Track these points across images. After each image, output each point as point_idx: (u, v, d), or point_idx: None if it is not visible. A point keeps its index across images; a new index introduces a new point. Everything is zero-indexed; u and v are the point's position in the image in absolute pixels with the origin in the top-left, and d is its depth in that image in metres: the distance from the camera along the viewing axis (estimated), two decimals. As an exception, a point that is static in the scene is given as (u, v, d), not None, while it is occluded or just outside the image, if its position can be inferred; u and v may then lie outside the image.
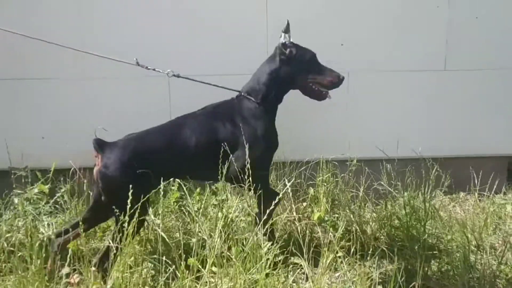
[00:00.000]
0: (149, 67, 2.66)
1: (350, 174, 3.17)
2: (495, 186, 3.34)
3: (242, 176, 2.23)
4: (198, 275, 1.95)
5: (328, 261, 2.06)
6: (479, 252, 2.48)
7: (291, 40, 2.47)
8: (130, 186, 1.94)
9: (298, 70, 2.48)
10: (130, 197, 1.91)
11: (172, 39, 3.32)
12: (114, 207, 2.08)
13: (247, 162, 2.21)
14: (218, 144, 2.34)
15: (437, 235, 2.67)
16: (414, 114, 3.55)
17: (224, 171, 2.26)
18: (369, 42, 3.41)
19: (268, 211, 2.21)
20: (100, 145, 2.27)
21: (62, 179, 3.14)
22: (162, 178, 2.14)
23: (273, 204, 2.20)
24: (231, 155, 2.33)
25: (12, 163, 3.22)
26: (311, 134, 3.42)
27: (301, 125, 3.36)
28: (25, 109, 3.38)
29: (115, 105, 3.35)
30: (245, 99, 2.51)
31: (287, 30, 2.43)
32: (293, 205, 2.96)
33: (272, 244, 2.28)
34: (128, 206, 1.91)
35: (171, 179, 2.61)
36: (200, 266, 1.94)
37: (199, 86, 3.12)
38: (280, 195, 2.33)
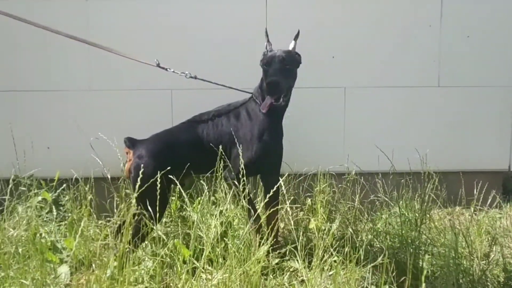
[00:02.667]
0: (168, 69, 2.78)
1: (347, 185, 3.23)
2: (492, 201, 3.40)
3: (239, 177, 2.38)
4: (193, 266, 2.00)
5: (320, 255, 2.11)
6: (471, 257, 2.52)
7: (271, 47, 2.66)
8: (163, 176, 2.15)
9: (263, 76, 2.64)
10: (160, 187, 2.12)
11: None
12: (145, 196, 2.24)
13: (241, 163, 2.39)
14: (225, 140, 2.59)
15: (430, 240, 2.71)
16: (408, 130, 3.64)
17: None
18: (365, 60, 3.54)
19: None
20: (132, 142, 2.55)
21: (65, 186, 3.19)
22: (184, 172, 2.43)
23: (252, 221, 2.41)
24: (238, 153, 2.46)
25: (17, 172, 3.31)
26: (308, 147, 3.51)
27: (299, 138, 3.45)
28: (31, 120, 3.50)
29: (119, 116, 3.46)
30: (253, 100, 2.68)
31: (266, 38, 2.67)
32: (289, 216, 3.01)
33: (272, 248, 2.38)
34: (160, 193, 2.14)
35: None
36: (195, 261, 2.00)
37: (200, 97, 3.26)
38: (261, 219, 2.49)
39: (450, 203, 3.59)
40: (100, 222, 3.03)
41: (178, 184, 2.25)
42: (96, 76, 3.47)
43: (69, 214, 3.08)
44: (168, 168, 2.34)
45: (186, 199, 2.41)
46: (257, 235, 2.43)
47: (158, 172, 2.15)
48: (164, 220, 3.07)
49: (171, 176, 2.31)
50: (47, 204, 3.22)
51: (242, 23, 3.47)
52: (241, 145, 2.49)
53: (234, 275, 1.89)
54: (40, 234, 2.78)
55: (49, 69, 3.46)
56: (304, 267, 2.33)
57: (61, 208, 3.23)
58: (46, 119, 3.50)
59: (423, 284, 1.56)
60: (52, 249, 2.65)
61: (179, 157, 2.53)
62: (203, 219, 2.44)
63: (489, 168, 3.74)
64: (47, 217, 3.12)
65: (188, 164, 2.50)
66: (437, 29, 3.56)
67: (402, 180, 3.38)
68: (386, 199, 3.17)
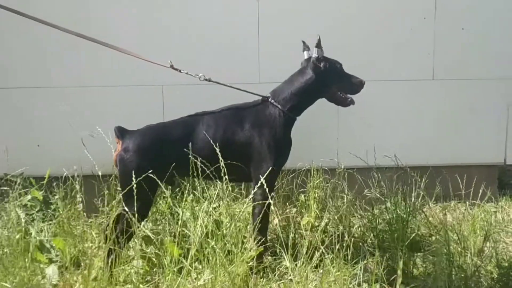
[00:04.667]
0: (182, 71, 2.68)
1: (339, 180, 3.20)
2: (486, 195, 3.37)
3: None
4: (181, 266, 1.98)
5: (307, 253, 2.08)
6: (464, 253, 2.49)
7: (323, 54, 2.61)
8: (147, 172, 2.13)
9: (331, 81, 2.63)
10: (144, 183, 2.10)
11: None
12: (126, 192, 2.23)
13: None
14: (232, 144, 2.45)
15: (422, 236, 2.68)
16: (403, 123, 3.61)
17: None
18: (359, 53, 3.48)
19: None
20: (121, 132, 2.43)
21: (55, 184, 3.15)
22: (175, 172, 2.32)
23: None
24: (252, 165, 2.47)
25: (8, 170, 3.27)
26: (302, 142, 3.46)
27: (293, 132, 3.42)
28: (21, 118, 3.46)
29: (110, 113, 3.41)
30: (271, 105, 2.58)
31: (318, 45, 2.58)
32: (278, 212, 2.99)
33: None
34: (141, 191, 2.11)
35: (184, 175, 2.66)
36: (184, 260, 1.97)
37: (190, 95, 3.22)
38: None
39: (445, 197, 3.56)
40: (90, 220, 2.99)
41: (161, 185, 2.19)
42: (87, 72, 3.42)
43: (59, 213, 3.03)
44: (154, 166, 2.28)
45: (169, 199, 2.37)
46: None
47: (143, 169, 2.12)
48: (156, 217, 3.04)
49: (153, 176, 2.22)
50: (37, 203, 3.18)
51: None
52: (265, 157, 2.46)
53: (220, 276, 1.86)
54: (30, 234, 2.76)
55: (39, 66, 3.42)
56: (296, 266, 2.30)
57: (52, 206, 3.19)
58: (36, 116, 3.46)
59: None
60: (41, 248, 2.62)
61: (169, 155, 2.40)
62: (191, 217, 2.40)
63: (484, 162, 3.71)
64: (37, 216, 3.09)
65: (178, 164, 2.38)
66: (431, 21, 3.51)
67: (395, 176, 3.35)
68: (378, 195, 3.12)
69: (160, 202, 3.12)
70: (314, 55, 2.59)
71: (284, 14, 3.45)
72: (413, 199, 3.10)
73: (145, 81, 3.40)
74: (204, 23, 3.44)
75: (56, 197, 3.16)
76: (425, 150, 3.61)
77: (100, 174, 2.90)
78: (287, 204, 3.27)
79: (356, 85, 2.70)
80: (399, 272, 1.85)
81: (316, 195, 3.14)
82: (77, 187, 2.86)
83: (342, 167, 3.26)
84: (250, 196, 2.38)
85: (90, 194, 3.12)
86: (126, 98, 3.45)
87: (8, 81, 3.43)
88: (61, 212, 2.98)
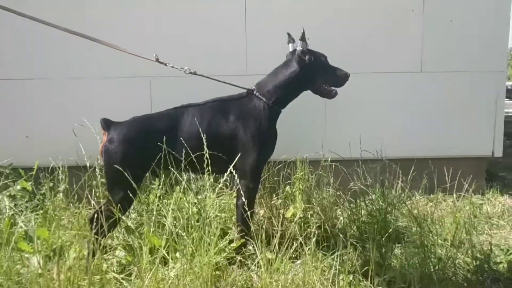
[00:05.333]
0: (167, 64, 2.69)
1: (324, 172, 3.21)
2: (473, 187, 3.39)
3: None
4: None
5: (287, 245, 2.10)
6: (445, 244, 2.51)
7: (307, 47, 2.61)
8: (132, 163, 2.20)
9: (316, 73, 2.63)
10: (129, 173, 2.12)
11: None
12: (110, 182, 2.30)
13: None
14: (217, 137, 2.46)
15: (403, 228, 2.70)
16: (391, 115, 3.62)
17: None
18: (346, 45, 3.48)
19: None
20: (107, 123, 2.46)
21: (41, 175, 3.18)
22: (161, 164, 2.33)
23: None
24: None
25: (-3, 161, 3.31)
26: (289, 134, 3.46)
27: (280, 125, 3.42)
28: (9, 109, 3.48)
29: (98, 104, 3.43)
30: (255, 98, 2.59)
31: (303, 38, 2.57)
32: (263, 204, 3.01)
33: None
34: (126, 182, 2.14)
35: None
36: (163, 251, 2.00)
37: (178, 87, 3.23)
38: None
39: (432, 190, 3.57)
40: (75, 211, 3.02)
41: (149, 174, 2.23)
42: (76, 64, 3.44)
43: (45, 203, 3.06)
44: (139, 157, 2.32)
45: (157, 191, 2.39)
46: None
47: (127, 160, 2.17)
48: (142, 208, 3.06)
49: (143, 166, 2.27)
50: (26, 194, 3.22)
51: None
52: (249, 149, 2.48)
53: (194, 266, 1.88)
54: (16, 224, 2.79)
55: (29, 58, 3.44)
56: (277, 257, 2.32)
57: (41, 197, 3.22)
58: (25, 107, 3.48)
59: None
60: (26, 238, 2.65)
61: (153, 147, 2.40)
62: (173, 208, 2.41)
63: (472, 154, 3.72)
64: (26, 206, 3.12)
65: (162, 155, 2.38)
66: (419, 13, 3.51)
67: (378, 168, 3.36)
68: (363, 188, 3.14)
69: (148, 193, 3.15)
70: (299, 48, 2.58)
71: (272, 7, 3.45)
72: (397, 191, 3.12)
73: (133, 73, 3.41)
74: (191, 16, 3.45)
75: (45, 187, 3.20)
76: (412, 143, 3.62)
77: (88, 164, 2.93)
78: (273, 195, 3.29)
79: (341, 78, 2.71)
80: (371, 263, 1.87)
81: (301, 186, 3.15)
82: (62, 177, 2.91)
83: (329, 159, 3.27)
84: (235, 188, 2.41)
85: (79, 185, 3.14)
86: (114, 90, 3.47)
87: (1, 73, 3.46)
88: (46, 203, 3.02)
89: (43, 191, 3.21)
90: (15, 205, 3.10)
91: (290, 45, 2.67)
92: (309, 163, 3.28)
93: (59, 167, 3.09)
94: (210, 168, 2.29)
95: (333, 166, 3.29)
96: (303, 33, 2.56)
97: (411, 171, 3.32)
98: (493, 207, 3.46)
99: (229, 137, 2.51)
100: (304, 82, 2.63)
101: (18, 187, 3.21)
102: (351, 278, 2.11)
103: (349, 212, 2.95)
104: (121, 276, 2.19)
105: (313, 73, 2.62)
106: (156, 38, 3.39)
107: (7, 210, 2.81)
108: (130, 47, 2.70)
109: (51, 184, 3.13)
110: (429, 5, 3.50)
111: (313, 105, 3.49)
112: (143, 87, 3.45)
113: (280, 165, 3.34)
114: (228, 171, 2.24)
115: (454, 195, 3.44)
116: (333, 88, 2.70)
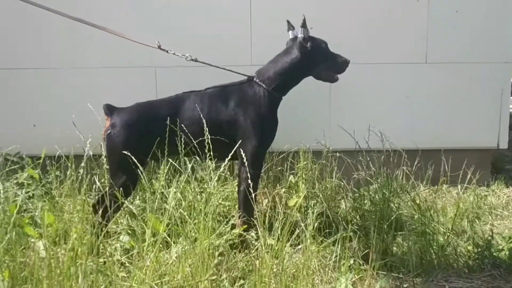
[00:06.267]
0: (169, 51, 2.71)
1: (327, 162, 3.22)
2: (478, 179, 3.37)
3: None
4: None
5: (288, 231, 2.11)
6: (447, 233, 2.52)
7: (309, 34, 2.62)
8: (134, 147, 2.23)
9: (317, 60, 2.66)
10: (130, 160, 2.13)
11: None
12: (112, 166, 2.35)
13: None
14: (217, 123, 2.50)
15: (406, 216, 2.70)
16: (396, 106, 3.61)
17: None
18: (351, 36, 3.48)
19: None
20: (110, 109, 2.53)
21: (48, 163, 3.21)
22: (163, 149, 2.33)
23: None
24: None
25: (5, 149, 3.35)
26: (294, 125, 3.49)
27: (285, 116, 3.43)
28: (17, 98, 3.53)
29: (103, 94, 3.44)
30: (256, 84, 2.62)
31: (304, 25, 2.59)
32: (268, 193, 3.02)
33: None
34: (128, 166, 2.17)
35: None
36: (166, 236, 2.03)
37: (183, 76, 3.25)
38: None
39: (437, 180, 3.57)
40: (81, 197, 3.05)
41: (149, 159, 2.26)
42: (80, 53, 3.48)
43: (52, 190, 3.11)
44: (141, 142, 2.37)
45: (162, 179, 2.41)
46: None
47: (129, 144, 2.21)
48: (146, 195, 3.09)
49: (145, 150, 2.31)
50: (34, 181, 3.27)
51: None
52: (250, 135, 2.51)
53: (196, 249, 1.90)
54: (24, 210, 2.84)
55: (35, 47, 3.48)
56: (277, 242, 2.34)
57: (48, 185, 3.27)
58: (32, 97, 3.53)
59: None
60: (32, 224, 2.70)
61: (155, 132, 2.44)
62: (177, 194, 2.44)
63: (478, 146, 3.70)
64: (33, 194, 3.17)
65: (164, 140, 2.38)
66: (425, 4, 3.50)
67: (383, 158, 3.35)
68: (368, 178, 3.14)
69: (153, 180, 3.18)
70: (300, 35, 2.60)
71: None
72: (401, 181, 3.12)
73: (138, 62, 3.44)
74: (197, 5, 3.47)
75: (52, 175, 3.25)
76: (417, 134, 3.60)
77: (91, 153, 2.96)
78: (277, 185, 3.31)
79: (341, 64, 2.74)
80: (371, 246, 1.88)
81: (305, 175, 3.17)
82: (68, 164, 2.95)
83: (331, 149, 3.28)
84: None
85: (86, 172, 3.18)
86: (119, 80, 3.50)
87: (3, 62, 3.51)
88: (53, 190, 3.06)
89: (50, 179, 3.26)
90: (23, 192, 3.15)
91: (290, 32, 2.69)
92: (313, 153, 3.29)
93: (66, 156, 3.14)
94: (211, 153, 2.32)
95: (337, 156, 3.30)
96: (304, 20, 2.57)
97: (415, 162, 3.33)
98: (497, 198, 3.45)
99: (230, 123, 2.54)
100: (306, 68, 2.66)
101: (25, 174, 3.27)
102: (351, 262, 2.13)
103: (352, 201, 2.97)
104: (124, 257, 2.21)
105: (315, 60, 2.65)
106: (164, 29, 3.40)
107: (15, 196, 2.86)
108: (136, 37, 2.72)
109: (57, 172, 3.18)
110: (435, -5, 3.49)
111: (318, 95, 3.54)
112: (149, 76, 3.48)
113: (283, 155, 3.35)
114: (229, 157, 2.27)
115: (459, 186, 3.44)
116: (335, 74, 2.75)
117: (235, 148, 2.38)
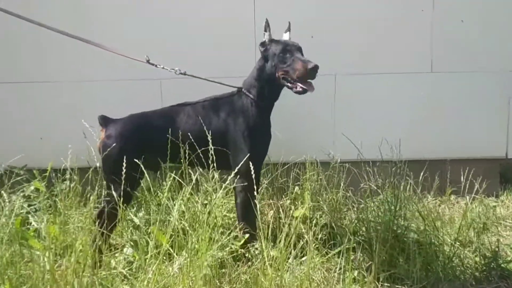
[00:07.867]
0: (158, 65, 2.76)
1: (333, 172, 3.19)
2: (486, 189, 3.31)
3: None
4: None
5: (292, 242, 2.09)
6: (454, 244, 2.47)
7: (272, 37, 2.58)
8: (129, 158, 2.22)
9: (272, 64, 2.52)
10: (126, 169, 2.14)
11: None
12: (109, 177, 2.37)
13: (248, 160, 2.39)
14: (209, 134, 2.45)
15: (406, 227, 2.66)
16: (401, 116, 3.59)
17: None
18: (356, 46, 3.49)
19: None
20: (105, 120, 2.57)
21: (57, 176, 3.23)
22: (159, 160, 2.41)
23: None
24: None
25: (11, 162, 3.37)
26: (298, 136, 3.48)
27: (288, 127, 3.43)
28: (24, 111, 3.57)
29: (109, 106, 3.45)
30: (244, 95, 2.63)
31: (266, 29, 2.58)
32: (272, 204, 3.00)
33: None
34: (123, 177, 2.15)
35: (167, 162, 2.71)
36: (170, 248, 2.01)
37: (189, 89, 3.25)
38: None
39: (445, 191, 3.52)
40: (85, 210, 3.06)
41: (143, 168, 2.26)
42: (87, 67, 3.52)
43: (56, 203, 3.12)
44: (135, 152, 2.37)
45: (166, 191, 2.41)
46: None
47: (124, 154, 2.21)
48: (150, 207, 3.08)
49: (136, 160, 2.29)
50: (40, 194, 3.28)
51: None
52: (241, 147, 2.49)
53: (197, 262, 1.89)
54: (29, 223, 2.85)
55: (42, 61, 3.52)
56: (280, 253, 2.31)
57: (54, 198, 3.28)
58: (39, 110, 3.56)
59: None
60: (37, 236, 2.70)
61: (149, 142, 2.51)
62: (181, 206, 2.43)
63: (486, 156, 3.66)
64: (39, 206, 3.18)
65: (158, 150, 2.47)
66: (429, 13, 3.49)
67: (393, 168, 3.32)
68: (375, 187, 3.11)
69: (157, 191, 3.18)
70: (263, 38, 2.59)
71: (280, 8, 3.47)
72: (407, 192, 3.08)
73: (143, 75, 3.46)
74: (199, 16, 3.51)
75: (57, 188, 3.26)
76: (424, 144, 3.58)
77: (98, 165, 2.98)
78: (283, 196, 3.29)
79: (297, 71, 2.40)
80: (375, 259, 1.85)
81: (310, 187, 3.14)
82: (74, 177, 2.96)
83: (338, 160, 3.26)
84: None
85: (91, 185, 3.19)
86: (125, 92, 3.53)
87: (11, 75, 3.57)
88: (58, 203, 3.07)
89: (56, 192, 3.28)
90: (29, 205, 3.17)
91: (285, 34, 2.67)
92: (319, 164, 3.27)
93: (71, 169, 3.15)
94: (205, 164, 2.38)
95: (343, 167, 3.27)
96: (266, 23, 2.56)
97: (422, 173, 3.29)
98: (506, 209, 3.39)
99: (221, 134, 2.54)
100: (268, 74, 2.55)
101: (32, 187, 3.29)
102: (355, 274, 2.10)
103: (357, 213, 2.93)
104: (126, 270, 2.21)
105: (270, 64, 2.53)
106: (166, 40, 3.45)
107: (20, 209, 2.87)
108: (138, 49, 2.76)
109: (63, 186, 3.19)
110: (439, 5, 3.48)
111: (322, 105, 3.53)
112: (154, 88, 3.50)
113: (288, 165, 3.33)
114: (233, 170, 2.26)
115: (467, 197, 3.39)
116: (298, 84, 2.43)
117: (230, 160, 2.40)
